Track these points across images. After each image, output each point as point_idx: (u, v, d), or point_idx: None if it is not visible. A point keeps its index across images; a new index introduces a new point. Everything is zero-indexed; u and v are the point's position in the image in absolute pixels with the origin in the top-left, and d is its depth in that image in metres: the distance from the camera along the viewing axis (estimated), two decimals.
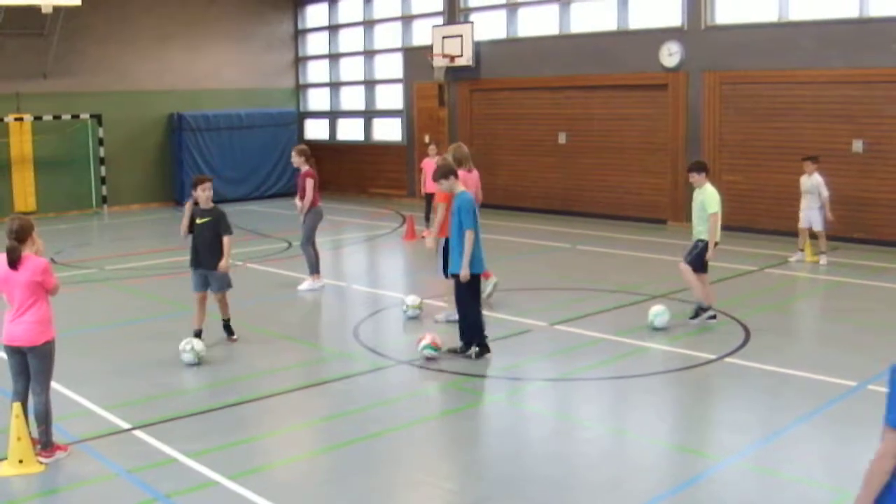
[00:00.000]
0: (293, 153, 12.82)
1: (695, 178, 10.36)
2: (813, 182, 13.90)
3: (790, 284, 12.98)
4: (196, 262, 9.63)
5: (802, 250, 14.16)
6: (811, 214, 13.95)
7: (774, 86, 16.54)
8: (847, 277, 13.02)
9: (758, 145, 16.89)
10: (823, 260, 13.86)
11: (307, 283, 12.64)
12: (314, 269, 12.64)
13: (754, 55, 16.69)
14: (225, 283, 9.77)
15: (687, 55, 17.67)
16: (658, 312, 10.22)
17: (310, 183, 12.37)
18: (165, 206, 23.58)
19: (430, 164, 17.70)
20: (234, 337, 9.95)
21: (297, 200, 12.68)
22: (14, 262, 6.44)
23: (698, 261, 10.28)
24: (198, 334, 9.54)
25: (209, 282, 9.67)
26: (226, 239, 9.56)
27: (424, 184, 17.43)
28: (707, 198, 10.22)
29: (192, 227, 9.57)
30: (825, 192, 13.84)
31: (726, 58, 17.11)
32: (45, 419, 6.61)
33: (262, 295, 12.54)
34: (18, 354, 6.61)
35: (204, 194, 9.52)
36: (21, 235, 6.47)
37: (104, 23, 22.48)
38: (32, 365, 6.59)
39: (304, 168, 12.48)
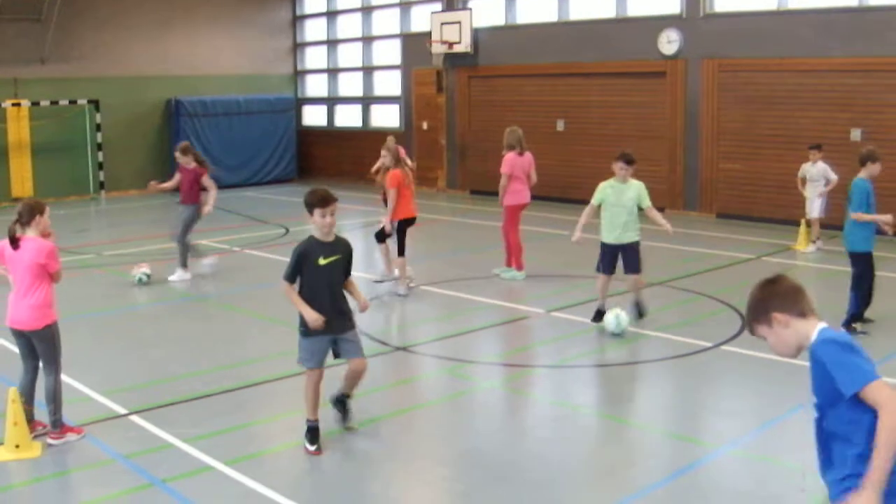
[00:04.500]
0: (178, 153, 12.59)
1: (628, 170, 9.59)
2: (818, 170, 13.90)
3: (787, 273, 12.98)
4: (327, 326, 6.41)
5: (815, 240, 14.10)
6: (814, 202, 13.94)
7: (773, 74, 16.52)
8: (844, 266, 13.01)
9: (756, 133, 16.88)
10: (812, 248, 13.89)
11: (179, 274, 12.52)
12: (186, 261, 12.59)
13: (753, 43, 16.66)
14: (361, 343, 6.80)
15: (686, 43, 17.64)
16: (616, 317, 9.47)
17: (204, 177, 12.41)
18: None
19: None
20: (355, 425, 6.99)
21: (207, 206, 12.51)
22: (11, 240, 6.54)
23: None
24: (317, 428, 6.65)
25: (339, 349, 6.67)
26: (352, 280, 6.74)
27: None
28: (642, 192, 9.73)
29: (301, 271, 6.42)
30: (834, 177, 13.83)
31: (725, 45, 17.08)
32: (52, 399, 6.65)
33: (259, 281, 12.54)
34: (23, 337, 6.68)
35: (326, 220, 6.41)
36: (24, 217, 6.56)
37: (102, 8, 22.40)
38: (38, 348, 6.67)
39: (192, 165, 12.42)
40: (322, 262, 6.37)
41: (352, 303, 6.68)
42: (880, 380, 3.20)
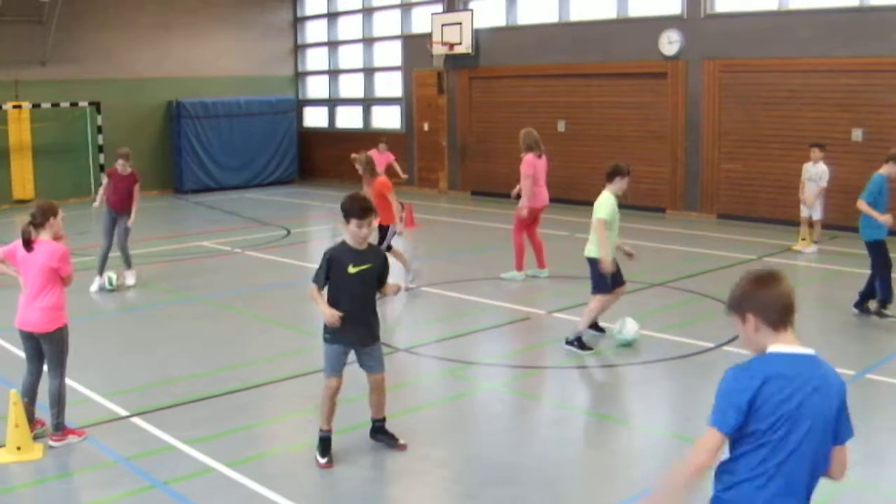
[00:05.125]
0: (123, 160, 12.05)
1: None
2: (818, 170, 13.92)
3: (789, 273, 12.93)
4: (348, 335, 6.26)
5: (804, 239, 14.14)
6: (813, 203, 13.97)
7: (774, 74, 16.51)
8: (845, 266, 13.02)
9: (757, 134, 16.87)
10: (813, 248, 13.91)
11: (132, 276, 12.35)
12: (131, 261, 12.37)
13: (754, 43, 16.65)
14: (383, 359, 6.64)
15: (686, 43, 17.63)
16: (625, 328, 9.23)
17: (137, 185, 12.07)
18: (164, 193, 23.56)
19: (377, 157, 17.76)
20: (402, 442, 6.66)
21: (131, 218, 11.99)
22: (25, 243, 6.54)
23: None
24: (329, 439, 6.45)
25: (361, 362, 6.51)
26: (392, 284, 6.57)
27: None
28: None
29: (330, 277, 6.21)
30: (824, 183, 13.86)
31: (726, 46, 17.07)
32: (56, 402, 6.66)
33: (260, 283, 12.54)
34: (32, 339, 6.67)
35: (361, 231, 6.19)
36: (38, 219, 6.58)
37: (103, 10, 22.41)
38: (46, 351, 6.67)
39: (129, 171, 12.05)
40: (352, 270, 6.16)
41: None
42: (714, 430, 3.25)
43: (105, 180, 12.27)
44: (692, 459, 3.25)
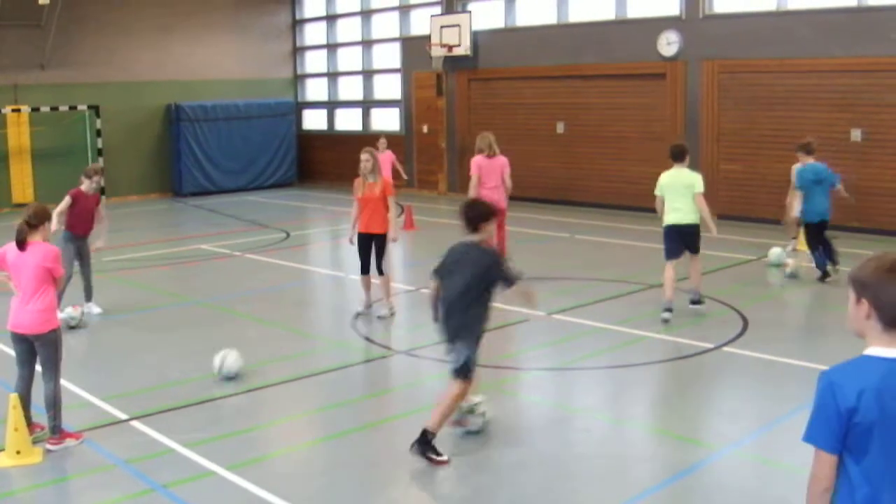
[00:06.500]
0: (96, 175, 10.71)
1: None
2: None
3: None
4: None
5: (795, 238, 14.16)
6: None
7: (773, 75, 16.51)
8: (844, 266, 13.00)
9: (756, 134, 16.87)
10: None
11: (96, 307, 10.98)
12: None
13: (753, 44, 16.66)
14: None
15: (685, 44, 17.63)
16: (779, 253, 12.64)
17: (101, 204, 10.85)
18: (164, 196, 23.57)
19: (379, 158, 17.63)
20: (444, 458, 6.35)
21: (99, 243, 10.88)
22: (20, 243, 6.56)
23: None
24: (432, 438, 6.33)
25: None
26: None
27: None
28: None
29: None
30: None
31: (725, 47, 17.07)
32: (52, 405, 6.66)
33: (260, 285, 12.54)
34: (25, 342, 6.67)
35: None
36: (33, 220, 6.62)
37: (102, 13, 22.41)
38: (40, 353, 6.66)
39: (93, 190, 10.69)
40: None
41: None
42: (821, 452, 3.00)
43: (67, 201, 10.50)
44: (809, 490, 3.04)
